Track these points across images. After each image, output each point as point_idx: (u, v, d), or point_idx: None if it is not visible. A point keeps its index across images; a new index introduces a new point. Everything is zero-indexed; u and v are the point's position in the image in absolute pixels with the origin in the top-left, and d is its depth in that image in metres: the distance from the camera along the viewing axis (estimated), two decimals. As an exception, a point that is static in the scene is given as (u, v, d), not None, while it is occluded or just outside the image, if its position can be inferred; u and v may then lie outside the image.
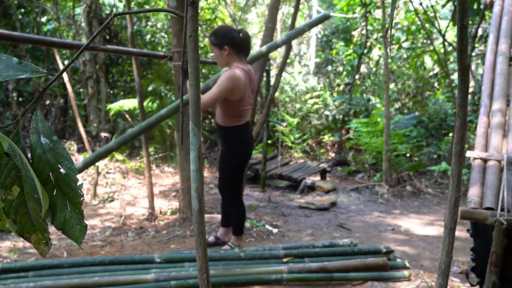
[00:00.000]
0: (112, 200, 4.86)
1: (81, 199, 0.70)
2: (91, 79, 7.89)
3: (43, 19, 8.29)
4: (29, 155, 0.69)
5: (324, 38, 11.60)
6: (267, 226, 4.00)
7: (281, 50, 10.32)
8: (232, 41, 3.02)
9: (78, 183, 0.69)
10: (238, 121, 3.13)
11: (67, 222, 0.70)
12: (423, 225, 4.34)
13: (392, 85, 8.76)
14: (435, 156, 7.22)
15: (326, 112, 8.64)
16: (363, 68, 9.95)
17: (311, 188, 5.89)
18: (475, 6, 5.55)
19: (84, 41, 7.35)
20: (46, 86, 0.73)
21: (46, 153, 0.68)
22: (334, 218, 4.53)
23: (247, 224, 3.99)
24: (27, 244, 3.36)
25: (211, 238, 3.50)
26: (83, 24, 7.71)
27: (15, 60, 0.68)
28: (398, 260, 3.11)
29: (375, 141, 6.64)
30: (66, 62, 7.68)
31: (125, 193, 5.20)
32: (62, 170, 0.68)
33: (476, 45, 6.96)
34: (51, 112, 7.81)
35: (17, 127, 0.69)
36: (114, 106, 6.78)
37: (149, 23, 8.53)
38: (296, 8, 4.33)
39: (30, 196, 0.68)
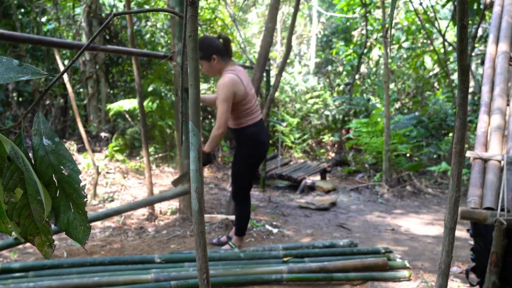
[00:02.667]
0: (112, 200, 4.86)
1: (84, 200, 0.70)
2: (91, 79, 7.90)
3: (43, 19, 8.29)
4: (32, 155, 0.69)
5: (324, 38, 11.60)
6: (267, 226, 4.00)
7: (281, 50, 10.32)
8: (218, 49, 3.06)
9: (81, 184, 0.69)
10: (250, 120, 3.12)
11: (71, 224, 0.70)
12: (423, 225, 4.34)
13: (392, 85, 8.77)
14: (435, 156, 7.22)
15: (326, 112, 8.65)
16: (363, 68, 9.95)
17: (311, 188, 5.89)
18: (475, 6, 5.54)
19: (84, 41, 7.35)
20: (47, 88, 0.73)
21: (49, 155, 0.68)
22: (334, 218, 4.53)
23: (247, 224, 3.99)
24: (27, 244, 3.36)
25: (223, 238, 3.52)
26: (83, 24, 7.71)
27: (16, 62, 0.68)
28: (398, 260, 3.11)
29: (375, 141, 6.64)
30: (66, 62, 7.68)
31: (125, 193, 5.20)
32: (64, 172, 0.68)
33: (476, 45, 6.96)
34: (51, 112, 7.82)
35: (19, 129, 0.69)
36: (114, 106, 6.78)
37: (149, 23, 8.53)
38: (296, 8, 4.34)
39: (33, 198, 0.68)
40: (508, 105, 2.13)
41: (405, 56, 9.41)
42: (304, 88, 9.02)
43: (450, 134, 7.60)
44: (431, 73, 9.20)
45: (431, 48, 8.11)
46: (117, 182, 5.63)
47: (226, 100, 2.94)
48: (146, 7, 7.82)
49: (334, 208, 4.98)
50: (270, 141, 7.91)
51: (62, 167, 0.68)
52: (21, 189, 0.68)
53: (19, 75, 0.67)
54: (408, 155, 7.11)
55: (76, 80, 8.39)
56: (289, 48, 4.29)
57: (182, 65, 0.91)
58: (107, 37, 7.90)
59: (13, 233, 0.71)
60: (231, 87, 2.96)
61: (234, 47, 8.67)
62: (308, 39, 12.39)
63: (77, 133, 7.46)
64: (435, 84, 9.35)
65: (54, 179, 0.68)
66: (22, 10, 7.79)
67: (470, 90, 7.21)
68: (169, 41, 8.31)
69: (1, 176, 0.67)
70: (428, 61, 8.97)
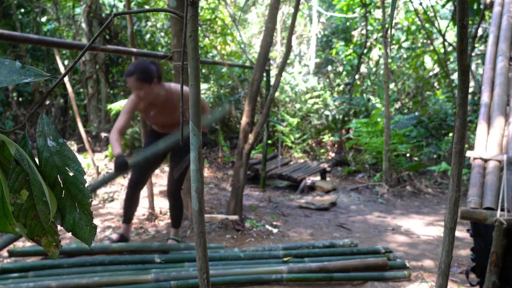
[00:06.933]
0: (112, 200, 4.86)
1: (90, 200, 0.70)
2: (91, 79, 7.90)
3: (43, 19, 8.29)
4: (37, 157, 0.70)
5: (324, 38, 11.60)
6: (267, 226, 4.00)
7: (281, 50, 10.32)
8: (158, 73, 3.22)
9: (86, 185, 0.70)
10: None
11: (77, 224, 0.70)
12: (423, 225, 4.34)
13: (392, 85, 8.76)
14: (435, 156, 7.22)
15: (326, 112, 8.64)
16: (363, 68, 9.95)
17: (311, 188, 5.89)
18: (475, 6, 5.54)
19: (84, 41, 7.35)
20: (50, 90, 0.73)
21: (53, 156, 0.68)
22: (334, 218, 4.53)
23: (247, 224, 3.99)
24: (28, 244, 3.36)
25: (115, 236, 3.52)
26: (83, 24, 7.70)
27: (18, 64, 0.68)
28: (398, 260, 3.11)
29: (375, 141, 6.64)
30: (66, 62, 7.68)
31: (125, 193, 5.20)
32: (69, 173, 0.69)
33: (476, 45, 6.96)
34: (51, 112, 7.82)
35: (22, 130, 0.69)
36: (115, 106, 6.78)
37: (149, 23, 8.53)
38: (296, 8, 4.33)
39: (39, 200, 0.68)
40: (508, 105, 2.13)
41: (405, 56, 9.41)
42: (304, 88, 9.02)
43: (450, 134, 7.59)
44: (431, 73, 9.20)
45: (431, 48, 8.11)
46: (117, 182, 5.62)
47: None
48: (146, 7, 7.82)
49: (334, 208, 4.98)
50: (270, 141, 7.91)
51: (67, 168, 0.69)
52: (27, 190, 0.68)
53: (21, 77, 0.67)
54: (408, 155, 7.11)
55: (76, 80, 8.39)
56: (289, 48, 4.29)
57: (182, 65, 0.91)
58: (107, 37, 7.90)
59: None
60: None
61: (234, 47, 8.67)
62: (308, 39, 12.39)
63: (77, 133, 7.46)
64: (435, 84, 9.35)
65: (59, 180, 0.69)
66: (22, 10, 7.79)
67: (470, 90, 7.21)
68: (169, 41, 8.31)
69: (7, 178, 0.67)
70: (428, 61, 8.97)
